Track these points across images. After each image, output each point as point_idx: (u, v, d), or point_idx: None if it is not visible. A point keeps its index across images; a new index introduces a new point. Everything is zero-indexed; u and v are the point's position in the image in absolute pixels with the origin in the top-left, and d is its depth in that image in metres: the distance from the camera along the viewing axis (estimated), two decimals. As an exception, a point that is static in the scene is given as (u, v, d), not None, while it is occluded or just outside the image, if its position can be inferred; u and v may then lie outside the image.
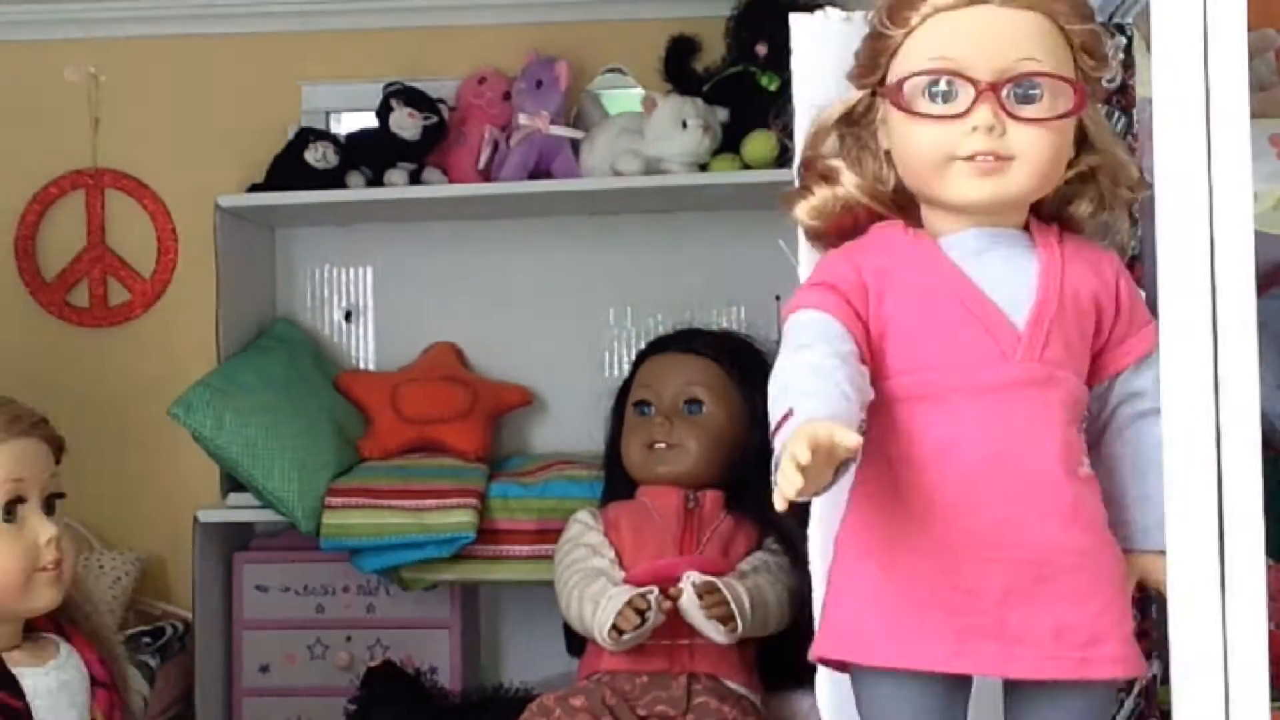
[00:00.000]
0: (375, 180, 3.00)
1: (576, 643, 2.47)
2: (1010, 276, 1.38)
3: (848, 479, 1.30)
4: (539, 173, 2.99)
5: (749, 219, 2.99)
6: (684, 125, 2.88)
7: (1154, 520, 1.29)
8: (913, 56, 1.37)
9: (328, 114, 3.26)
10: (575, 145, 3.00)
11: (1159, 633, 1.77)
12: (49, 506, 1.80)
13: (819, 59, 1.59)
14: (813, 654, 1.43)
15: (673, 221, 3.16)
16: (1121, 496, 1.42)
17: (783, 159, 2.79)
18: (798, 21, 1.63)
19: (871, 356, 1.38)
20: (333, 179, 2.98)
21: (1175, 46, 1.15)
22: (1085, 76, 1.38)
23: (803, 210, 1.47)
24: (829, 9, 1.62)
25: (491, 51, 3.14)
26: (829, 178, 1.46)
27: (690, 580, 2.22)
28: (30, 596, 1.80)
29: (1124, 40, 1.84)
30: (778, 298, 2.82)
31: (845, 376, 1.29)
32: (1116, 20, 1.87)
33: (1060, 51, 1.36)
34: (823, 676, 1.55)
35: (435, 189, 2.99)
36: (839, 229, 1.47)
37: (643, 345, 2.70)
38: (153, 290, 3.23)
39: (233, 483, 2.96)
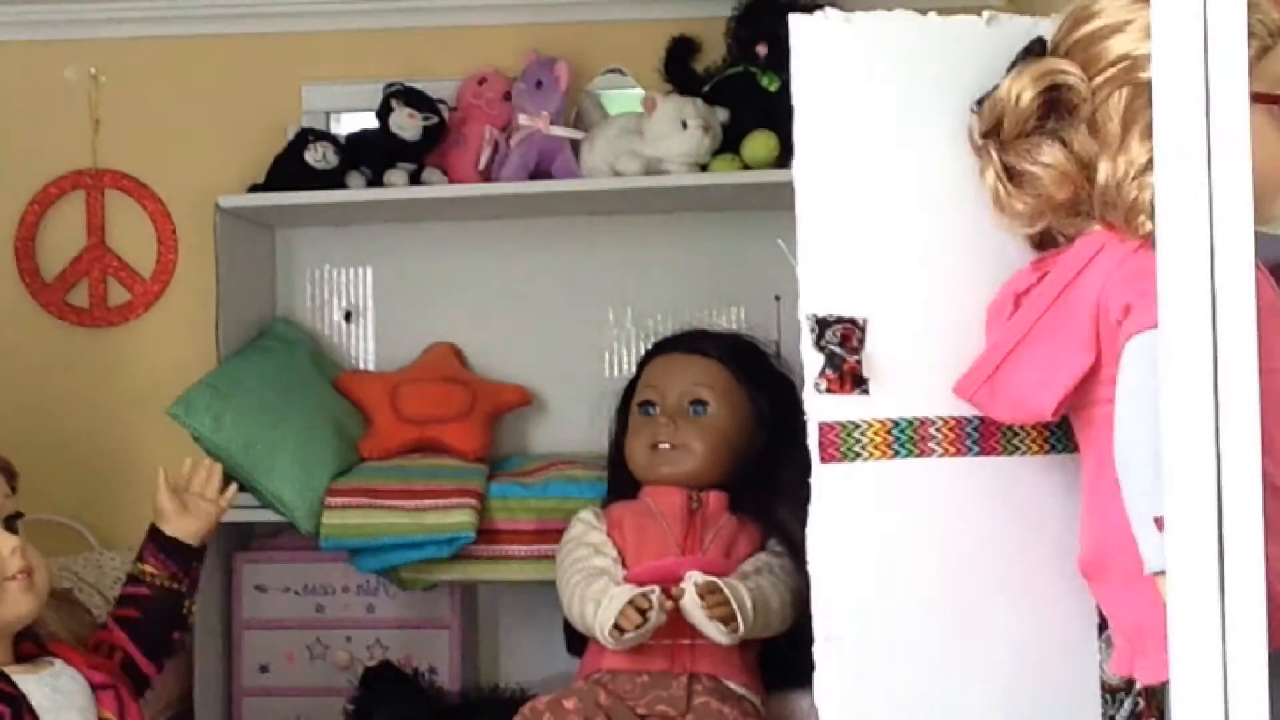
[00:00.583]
0: (375, 181, 2.99)
1: (576, 642, 2.48)
2: None
3: None
4: (539, 173, 2.99)
5: (749, 219, 2.99)
6: (684, 125, 2.88)
7: None
8: None
9: (328, 114, 3.25)
10: (575, 145, 2.99)
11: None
12: (10, 527, 1.95)
13: (819, 59, 1.60)
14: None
15: (673, 222, 3.15)
16: None
17: (783, 159, 2.79)
18: (798, 22, 1.63)
19: None
20: (333, 179, 2.98)
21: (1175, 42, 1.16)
22: None
23: None
24: (829, 9, 1.62)
25: (491, 52, 3.13)
26: None
27: (692, 580, 2.22)
28: (4, 606, 1.88)
29: None
30: (778, 298, 2.82)
31: None
32: None
33: None
34: (822, 677, 1.55)
35: (435, 189, 2.98)
36: None
37: (643, 345, 2.70)
38: (153, 290, 3.23)
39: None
